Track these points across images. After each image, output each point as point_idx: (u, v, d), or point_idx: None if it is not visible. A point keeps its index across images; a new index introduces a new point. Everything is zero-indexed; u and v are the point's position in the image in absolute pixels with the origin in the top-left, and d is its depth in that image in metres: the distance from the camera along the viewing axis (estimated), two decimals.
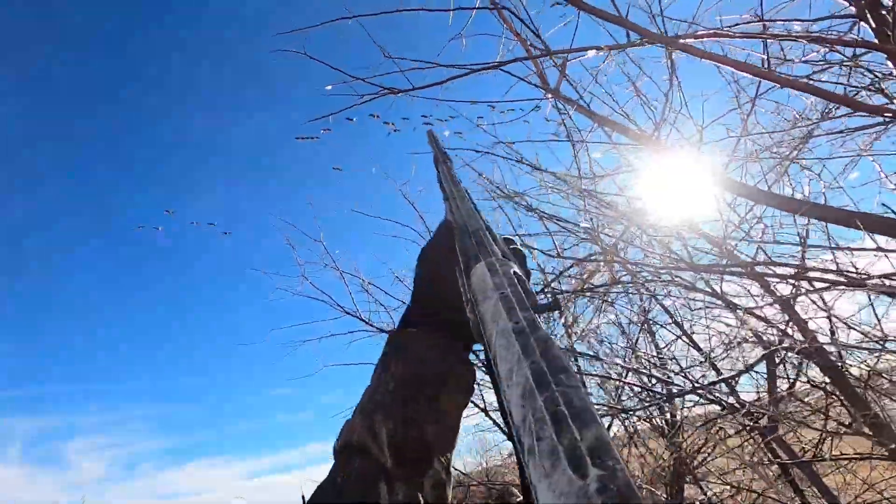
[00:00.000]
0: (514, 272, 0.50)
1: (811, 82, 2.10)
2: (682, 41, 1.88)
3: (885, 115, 1.93)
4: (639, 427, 5.33)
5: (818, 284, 2.28)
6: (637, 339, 4.05)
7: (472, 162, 3.43)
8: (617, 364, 3.89)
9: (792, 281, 2.47)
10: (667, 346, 4.19)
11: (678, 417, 4.63)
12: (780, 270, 2.61)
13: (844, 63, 2.20)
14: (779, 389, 2.86)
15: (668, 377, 3.65)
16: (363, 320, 5.40)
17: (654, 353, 4.14)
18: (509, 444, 6.17)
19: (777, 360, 2.87)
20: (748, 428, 2.96)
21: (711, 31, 2.31)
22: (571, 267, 3.79)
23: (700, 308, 3.16)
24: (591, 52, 2.11)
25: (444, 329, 0.55)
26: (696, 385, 2.80)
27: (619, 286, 3.36)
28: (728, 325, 3.43)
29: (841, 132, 3.18)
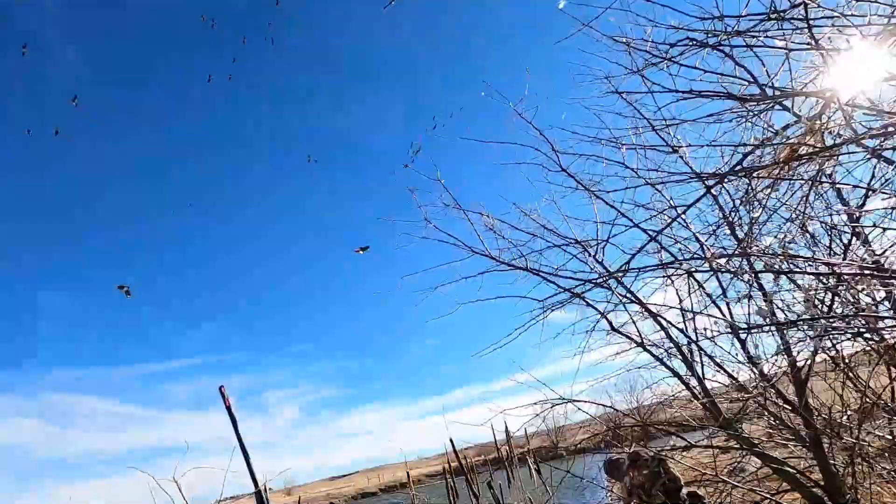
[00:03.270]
0: None
1: None
2: None
3: None
4: (845, 352, 4.30)
5: None
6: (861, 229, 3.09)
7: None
8: (832, 265, 3.01)
9: None
10: None
11: None
12: None
13: None
14: None
15: None
16: (493, 258, 5.02)
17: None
18: (671, 381, 5.47)
19: None
20: None
21: None
22: (766, 140, 2.95)
23: None
24: None
25: None
26: None
27: (843, 149, 2.51)
28: None
29: None
